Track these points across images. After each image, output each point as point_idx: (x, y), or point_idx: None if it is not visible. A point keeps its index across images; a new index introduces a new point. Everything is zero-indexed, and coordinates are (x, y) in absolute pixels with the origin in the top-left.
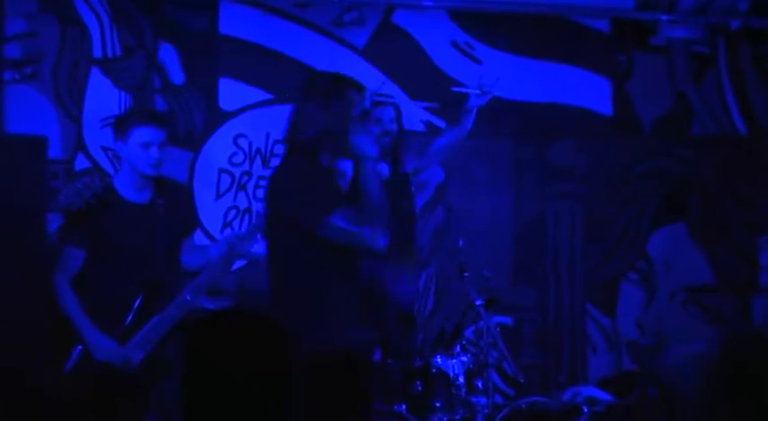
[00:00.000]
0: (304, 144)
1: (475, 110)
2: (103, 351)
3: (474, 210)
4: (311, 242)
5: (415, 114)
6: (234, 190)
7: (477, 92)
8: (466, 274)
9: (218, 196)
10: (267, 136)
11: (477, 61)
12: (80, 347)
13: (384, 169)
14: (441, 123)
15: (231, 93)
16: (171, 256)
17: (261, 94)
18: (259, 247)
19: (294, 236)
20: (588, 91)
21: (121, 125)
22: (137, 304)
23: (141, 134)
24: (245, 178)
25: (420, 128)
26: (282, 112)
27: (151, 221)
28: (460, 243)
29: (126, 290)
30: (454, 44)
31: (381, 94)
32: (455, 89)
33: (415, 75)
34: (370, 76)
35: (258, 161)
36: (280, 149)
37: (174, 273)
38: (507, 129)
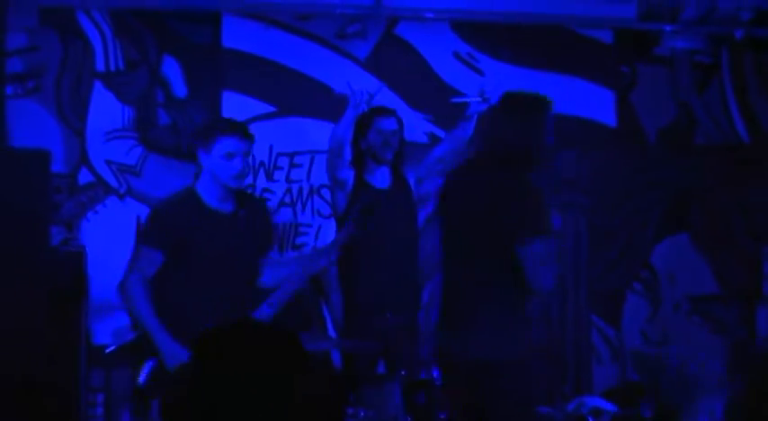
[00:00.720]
0: (519, 158)
1: (475, 117)
2: (179, 359)
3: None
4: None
5: (418, 126)
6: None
7: (479, 99)
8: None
9: None
10: (270, 149)
11: (480, 73)
12: (152, 362)
13: (384, 180)
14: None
15: (234, 106)
16: (252, 272)
17: (264, 107)
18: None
19: (499, 251)
20: (592, 102)
21: (205, 135)
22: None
23: (225, 145)
24: (249, 191)
25: (423, 139)
26: (285, 125)
27: (234, 233)
28: None
29: (203, 300)
30: (457, 55)
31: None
32: (455, 99)
33: (418, 86)
34: (371, 88)
35: (262, 174)
36: (283, 162)
37: (253, 289)
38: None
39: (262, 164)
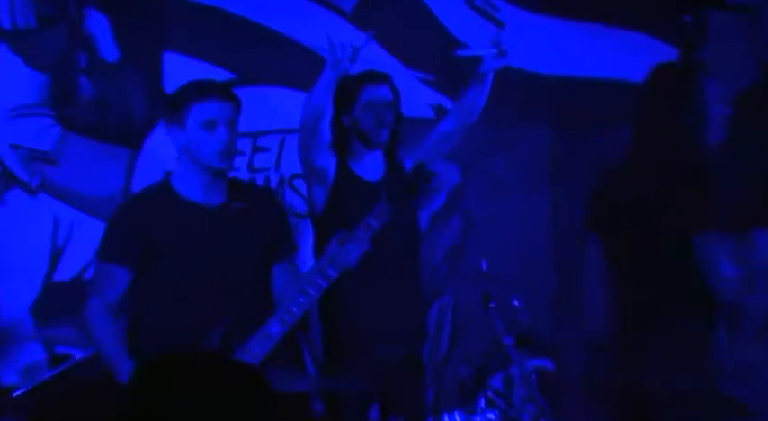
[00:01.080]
0: None
1: (490, 77)
2: None
3: (500, 220)
4: None
5: (421, 95)
6: None
7: (493, 51)
8: (492, 305)
9: None
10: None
11: (501, 24)
12: None
13: (376, 169)
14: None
15: (180, 72)
16: (255, 280)
17: (218, 74)
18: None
19: None
20: (647, 62)
21: (175, 102)
22: (214, 341)
23: (202, 111)
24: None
25: (427, 113)
26: (249, 96)
27: (226, 231)
28: (484, 265)
29: (191, 322)
30: (470, 3)
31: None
32: (461, 53)
33: (421, 45)
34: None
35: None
36: (243, 145)
37: (260, 302)
38: (542, 113)
39: None
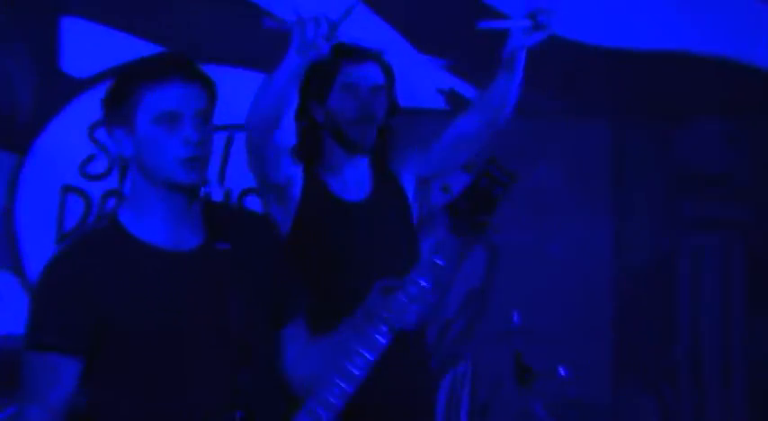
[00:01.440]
0: None
1: (522, 58)
2: None
3: (540, 253)
4: None
5: (430, 78)
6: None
7: (527, 23)
8: (527, 376)
9: (63, 237)
10: None
11: None
12: None
13: (360, 184)
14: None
15: (83, 44)
16: (255, 353)
17: (138, 47)
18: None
19: None
20: (745, 30)
21: (115, 94)
22: None
23: (156, 100)
24: (111, 203)
25: (438, 104)
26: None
27: (209, 284)
28: (516, 318)
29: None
30: None
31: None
32: (484, 25)
33: (427, 11)
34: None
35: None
36: None
37: (268, 380)
38: (600, 102)
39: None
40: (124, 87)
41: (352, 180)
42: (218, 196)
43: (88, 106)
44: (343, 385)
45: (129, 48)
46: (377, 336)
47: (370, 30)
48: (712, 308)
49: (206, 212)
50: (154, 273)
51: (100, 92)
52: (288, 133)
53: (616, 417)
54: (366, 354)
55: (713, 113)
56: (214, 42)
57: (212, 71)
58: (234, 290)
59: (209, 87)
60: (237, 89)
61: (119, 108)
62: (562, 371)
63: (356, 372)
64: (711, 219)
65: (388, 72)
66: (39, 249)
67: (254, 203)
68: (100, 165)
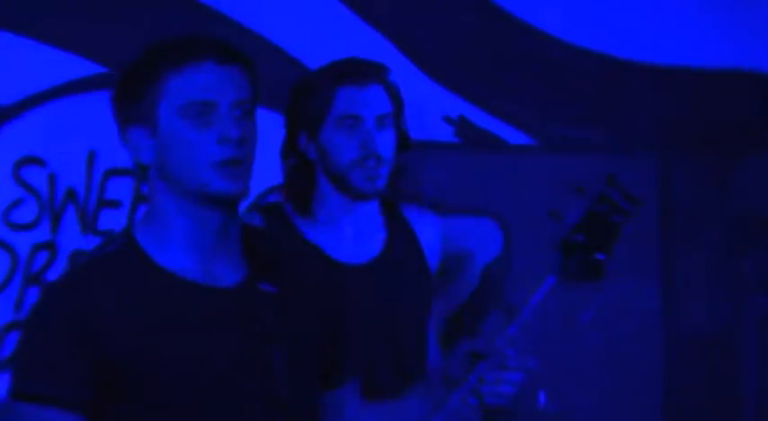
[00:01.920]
0: None
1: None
2: None
3: (573, 320)
4: None
5: (438, 104)
6: (16, 284)
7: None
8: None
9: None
10: (90, 158)
11: None
12: None
13: (367, 245)
14: (507, 132)
15: (8, 64)
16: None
17: (76, 65)
18: None
19: None
20: (730, 34)
21: (134, 84)
22: None
23: (184, 86)
24: (43, 258)
25: (446, 136)
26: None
27: (250, 335)
28: (542, 399)
29: None
30: None
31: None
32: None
33: (433, 25)
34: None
35: (71, 219)
36: (121, 189)
37: None
38: (649, 133)
39: (71, 194)
40: (143, 75)
41: (351, 234)
42: None
43: (13, 138)
44: None
45: (64, 66)
46: (464, 410)
47: (360, 43)
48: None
49: (246, 240)
50: (180, 312)
51: (27, 122)
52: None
53: None
54: None
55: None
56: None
57: None
58: (280, 343)
59: (251, 72)
60: None
61: (135, 102)
62: (541, 397)
63: None
64: None
65: (395, 96)
66: None
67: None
68: (28, 212)
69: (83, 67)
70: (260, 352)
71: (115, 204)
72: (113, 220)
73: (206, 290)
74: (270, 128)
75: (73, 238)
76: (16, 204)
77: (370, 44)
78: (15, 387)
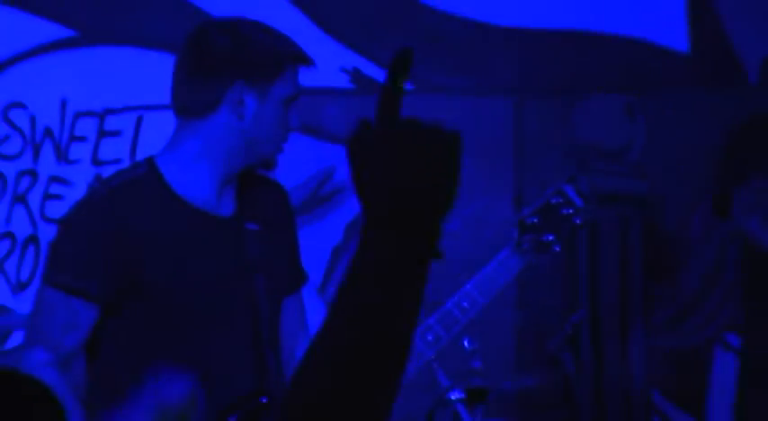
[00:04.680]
0: None
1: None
2: None
3: (446, 228)
4: None
5: (338, 57)
6: (6, 204)
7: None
8: (430, 355)
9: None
10: (63, 104)
11: None
12: None
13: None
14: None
15: None
16: (274, 326)
17: (50, 30)
18: None
19: None
20: (645, 9)
21: (266, 60)
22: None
23: (292, 81)
24: (26, 182)
25: (343, 83)
26: (90, 61)
27: (237, 256)
28: (467, 345)
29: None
30: None
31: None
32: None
33: (371, 16)
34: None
35: (48, 151)
36: (86, 129)
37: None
38: (504, 79)
39: (49, 132)
40: (275, 58)
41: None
42: None
43: (1, 88)
44: None
45: (41, 31)
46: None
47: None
48: (613, 278)
49: (242, 183)
50: (190, 233)
51: (12, 75)
52: None
53: (519, 384)
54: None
55: (613, 91)
56: (124, 25)
57: (127, 53)
58: (262, 269)
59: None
60: (147, 70)
61: (262, 77)
62: (467, 344)
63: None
64: (609, 194)
65: None
66: None
67: None
68: (14, 146)
69: (56, 31)
70: (246, 272)
71: (82, 139)
72: (81, 152)
73: (210, 217)
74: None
75: (50, 166)
76: (5, 140)
77: (281, 12)
78: (48, 275)
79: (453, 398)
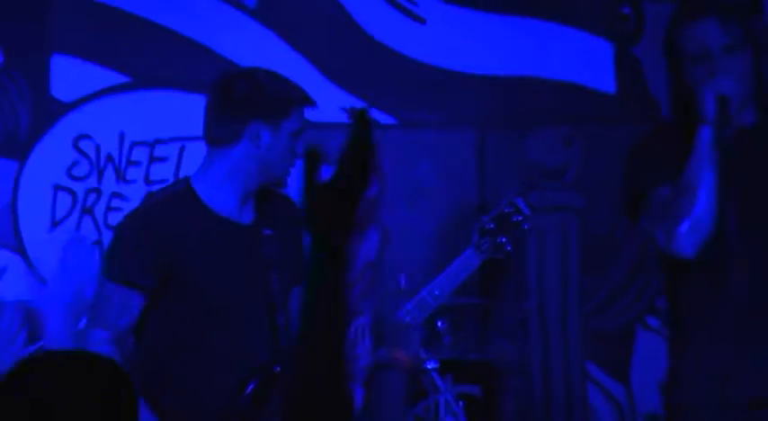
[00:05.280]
0: None
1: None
2: None
3: (422, 233)
4: None
5: (333, 100)
6: (76, 215)
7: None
8: (411, 323)
9: (55, 224)
10: (121, 137)
11: (421, 20)
12: None
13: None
14: (374, 113)
15: (68, 75)
16: (286, 320)
17: (111, 77)
18: None
19: None
20: (581, 59)
21: (277, 103)
22: (245, 399)
23: (299, 118)
24: (92, 198)
25: (341, 118)
26: (145, 101)
27: (255, 256)
28: (402, 282)
29: (221, 368)
30: None
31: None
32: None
33: (332, 45)
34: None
35: (110, 173)
36: (140, 155)
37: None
38: (468, 115)
39: (110, 158)
40: (285, 101)
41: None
42: None
43: (73, 123)
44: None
45: (104, 78)
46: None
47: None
48: (556, 271)
49: (259, 200)
50: (217, 237)
51: (81, 113)
52: None
53: (481, 356)
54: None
55: (556, 123)
56: (169, 73)
57: (170, 95)
58: (275, 266)
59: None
60: (187, 109)
61: (275, 115)
62: (439, 323)
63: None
64: (551, 205)
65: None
66: (36, 234)
67: None
68: (83, 169)
69: (115, 78)
70: (263, 270)
71: (136, 163)
72: (136, 174)
73: (235, 224)
74: None
75: (111, 185)
76: (75, 165)
77: (291, 62)
78: (106, 270)
79: (429, 367)
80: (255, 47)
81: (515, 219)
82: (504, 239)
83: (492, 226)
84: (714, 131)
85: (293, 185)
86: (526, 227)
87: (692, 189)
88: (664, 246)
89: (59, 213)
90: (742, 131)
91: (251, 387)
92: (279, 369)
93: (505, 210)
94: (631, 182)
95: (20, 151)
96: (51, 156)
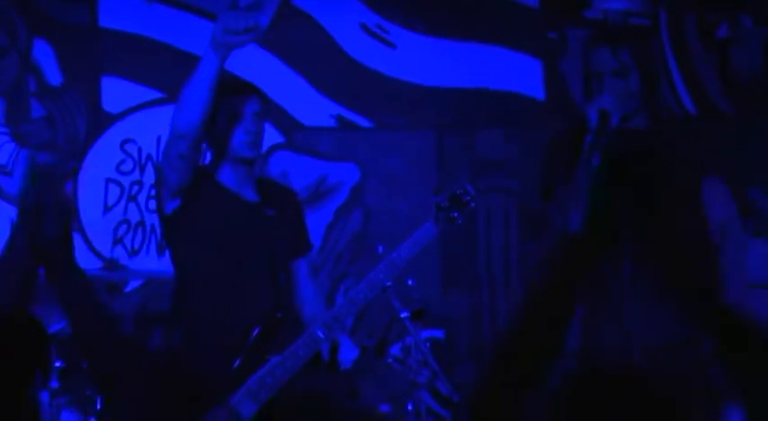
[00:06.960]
0: None
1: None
2: None
3: (395, 211)
4: None
5: (324, 108)
6: (124, 202)
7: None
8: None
9: (107, 209)
10: (158, 140)
11: (392, 45)
12: None
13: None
14: (357, 118)
15: (116, 93)
16: (287, 285)
17: (149, 93)
18: None
19: None
20: (517, 73)
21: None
22: (252, 340)
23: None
24: (136, 188)
25: (330, 122)
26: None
27: (259, 230)
28: (380, 249)
29: (231, 318)
30: (364, 27)
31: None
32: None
33: (323, 65)
34: (269, 69)
35: (150, 168)
36: None
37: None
38: (429, 119)
39: (149, 157)
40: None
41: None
42: None
43: (120, 130)
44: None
45: (144, 94)
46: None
47: (291, 81)
48: (500, 239)
49: (258, 182)
50: (230, 206)
51: (126, 122)
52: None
53: (443, 307)
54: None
55: (498, 125)
56: None
57: None
58: (277, 240)
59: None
60: None
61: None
62: (409, 282)
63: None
64: (495, 187)
65: (263, 101)
66: (92, 218)
67: None
68: (128, 166)
69: (152, 94)
70: (267, 241)
71: None
72: None
73: (242, 199)
74: None
75: (150, 178)
76: (122, 162)
77: (289, 78)
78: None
79: (402, 316)
80: (260, 66)
81: (465, 199)
82: (456, 214)
83: (446, 204)
84: (594, 138)
85: (297, 175)
86: (473, 205)
87: (576, 183)
88: (561, 226)
89: (110, 200)
90: (635, 132)
91: (256, 331)
92: (280, 315)
93: (457, 192)
94: (543, 178)
95: (79, 152)
96: (103, 156)
